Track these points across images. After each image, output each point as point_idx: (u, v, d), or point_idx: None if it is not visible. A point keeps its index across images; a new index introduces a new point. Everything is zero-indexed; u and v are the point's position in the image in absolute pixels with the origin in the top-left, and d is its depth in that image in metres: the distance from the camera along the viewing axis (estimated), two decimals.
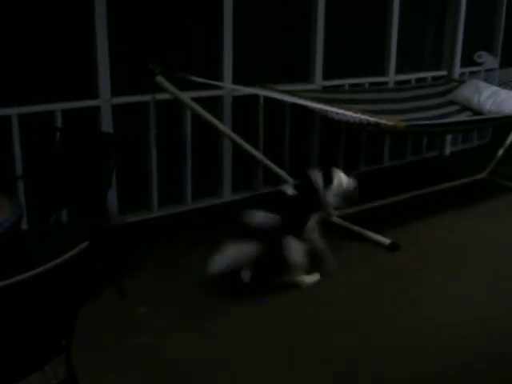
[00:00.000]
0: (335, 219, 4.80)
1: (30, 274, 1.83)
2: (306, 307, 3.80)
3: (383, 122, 4.36)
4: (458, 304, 3.82)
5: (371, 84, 6.32)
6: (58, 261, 1.90)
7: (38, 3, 4.36)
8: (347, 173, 4.26)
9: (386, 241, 4.58)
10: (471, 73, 7.09)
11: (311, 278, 4.04)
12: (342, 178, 4.18)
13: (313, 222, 4.08)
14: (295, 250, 3.88)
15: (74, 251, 1.94)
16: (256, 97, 5.41)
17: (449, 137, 7.24)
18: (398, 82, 6.53)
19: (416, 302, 3.86)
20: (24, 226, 4.17)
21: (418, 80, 6.72)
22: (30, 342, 2.08)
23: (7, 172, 4.38)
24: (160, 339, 3.39)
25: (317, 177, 4.13)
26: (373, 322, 3.63)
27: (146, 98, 4.70)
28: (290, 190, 4.09)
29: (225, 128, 4.81)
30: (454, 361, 3.24)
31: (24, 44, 4.36)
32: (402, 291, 3.99)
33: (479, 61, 7.15)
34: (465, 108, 5.96)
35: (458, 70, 7.01)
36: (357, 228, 4.79)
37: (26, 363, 2.11)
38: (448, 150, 7.33)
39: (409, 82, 6.61)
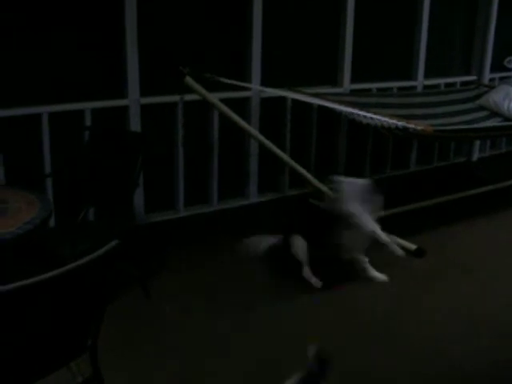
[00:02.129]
0: None
1: (59, 271, 1.85)
2: (325, 309, 3.80)
3: (411, 126, 4.33)
4: (482, 312, 3.78)
5: (399, 88, 6.28)
6: (87, 259, 1.92)
7: (69, 3, 4.40)
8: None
9: (412, 246, 4.55)
10: (501, 78, 6.99)
11: (381, 276, 4.15)
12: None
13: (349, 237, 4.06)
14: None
15: (102, 250, 1.95)
16: (283, 99, 5.41)
17: (477, 142, 7.17)
18: (426, 87, 6.49)
19: (438, 309, 3.82)
20: (51, 223, 4.21)
21: (447, 85, 6.67)
22: (56, 339, 2.09)
23: (36, 170, 4.43)
24: (185, 339, 3.40)
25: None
26: (391, 326, 3.61)
27: (175, 98, 4.73)
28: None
29: (252, 129, 4.81)
30: (475, 369, 3.22)
31: (54, 43, 4.40)
32: (425, 297, 3.96)
33: (510, 66, 7.07)
34: (494, 114, 5.90)
35: (487, 75, 6.94)
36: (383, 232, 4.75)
37: (52, 360, 2.12)
38: (476, 156, 7.26)
39: (438, 86, 6.57)
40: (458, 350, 3.38)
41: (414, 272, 4.30)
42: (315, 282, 4.04)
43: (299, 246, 4.08)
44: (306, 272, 4.07)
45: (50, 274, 1.83)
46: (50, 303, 1.96)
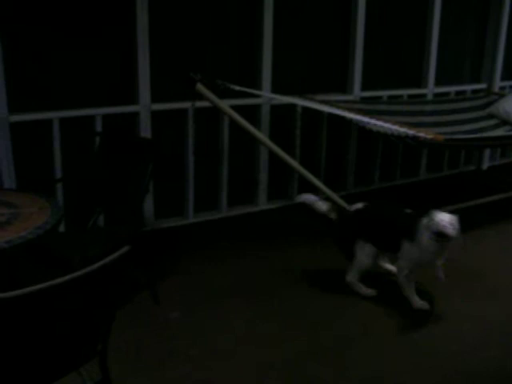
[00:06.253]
0: None
1: (69, 277, 1.85)
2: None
3: (422, 134, 4.33)
4: (486, 324, 3.77)
5: (410, 96, 6.28)
6: (97, 265, 1.92)
7: (82, 10, 4.43)
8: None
9: None
10: None
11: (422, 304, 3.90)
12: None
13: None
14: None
15: (114, 255, 1.96)
16: (294, 106, 5.42)
17: (487, 151, 7.15)
18: (436, 95, 6.48)
19: (449, 318, 3.82)
20: (61, 229, 4.23)
21: (458, 93, 6.66)
22: (66, 343, 2.10)
23: (47, 175, 4.45)
24: (194, 345, 3.40)
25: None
26: (404, 334, 3.61)
27: (185, 104, 4.75)
28: None
29: (262, 136, 4.81)
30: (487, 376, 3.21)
31: (66, 49, 4.43)
32: (436, 306, 3.95)
33: None
34: (504, 122, 5.89)
35: (498, 84, 6.93)
36: None
37: (62, 364, 2.13)
38: (486, 165, 7.25)
39: (448, 94, 6.56)
40: (472, 357, 3.37)
41: (425, 281, 4.28)
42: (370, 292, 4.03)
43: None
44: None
45: (60, 279, 1.83)
46: (60, 308, 1.96)
